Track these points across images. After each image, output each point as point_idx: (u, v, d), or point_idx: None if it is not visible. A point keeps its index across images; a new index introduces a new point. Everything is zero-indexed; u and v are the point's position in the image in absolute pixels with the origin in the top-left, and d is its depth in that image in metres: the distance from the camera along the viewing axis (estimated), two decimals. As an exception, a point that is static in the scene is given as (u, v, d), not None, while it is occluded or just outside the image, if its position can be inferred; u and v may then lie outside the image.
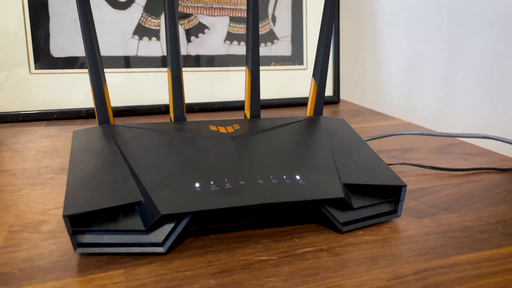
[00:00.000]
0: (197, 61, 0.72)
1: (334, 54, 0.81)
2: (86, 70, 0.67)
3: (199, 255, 0.30)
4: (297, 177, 0.34)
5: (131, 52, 0.69)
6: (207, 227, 0.33)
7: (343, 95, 0.92)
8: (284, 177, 0.33)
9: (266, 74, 0.76)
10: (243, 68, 0.75)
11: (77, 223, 0.29)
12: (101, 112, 0.41)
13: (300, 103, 0.79)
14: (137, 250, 0.30)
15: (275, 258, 0.30)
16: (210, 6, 0.72)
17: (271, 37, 0.76)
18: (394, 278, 0.28)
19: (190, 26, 0.71)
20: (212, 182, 0.32)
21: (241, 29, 0.75)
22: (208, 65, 0.73)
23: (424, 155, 0.53)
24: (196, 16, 0.72)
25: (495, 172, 0.47)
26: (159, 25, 0.70)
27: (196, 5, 0.72)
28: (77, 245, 0.29)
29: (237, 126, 0.42)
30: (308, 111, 0.47)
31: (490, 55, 1.10)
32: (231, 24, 0.74)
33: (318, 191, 0.32)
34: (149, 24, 0.70)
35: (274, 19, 0.77)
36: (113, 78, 0.68)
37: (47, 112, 0.66)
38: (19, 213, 0.36)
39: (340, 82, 0.85)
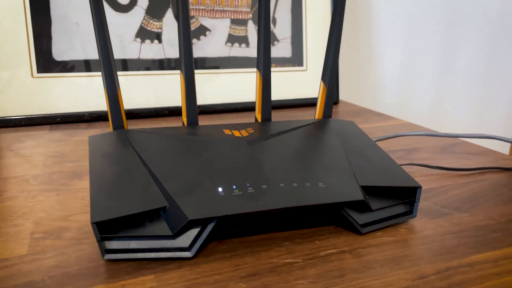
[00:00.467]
0: (198, 63, 0.73)
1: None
2: (88, 74, 0.67)
3: (225, 259, 0.30)
4: (317, 180, 0.34)
5: (133, 55, 0.69)
6: (231, 230, 0.33)
7: (340, 95, 0.93)
8: (304, 180, 0.34)
9: (267, 76, 0.76)
10: (245, 70, 0.76)
11: (105, 229, 0.29)
12: (116, 117, 0.41)
13: (301, 104, 0.80)
14: (164, 255, 0.30)
15: (300, 260, 0.30)
16: (212, 8, 0.73)
17: (271, 38, 0.77)
18: (418, 278, 0.29)
19: (192, 29, 0.71)
20: (234, 187, 0.32)
21: (242, 31, 0.75)
22: (209, 67, 0.74)
23: (429, 155, 0.54)
24: (197, 19, 0.72)
25: (499, 171, 0.49)
26: (161, 28, 0.70)
27: (197, 7, 0.72)
28: (105, 251, 0.29)
29: (250, 130, 0.42)
30: (317, 113, 0.48)
31: (482, 56, 1.12)
32: (232, 27, 0.74)
33: (338, 194, 0.33)
34: (151, 26, 0.70)
35: (274, 21, 0.77)
36: (116, 81, 0.67)
37: (50, 116, 0.65)
38: (39, 220, 0.36)
39: (339, 82, 0.86)
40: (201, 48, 0.73)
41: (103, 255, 0.29)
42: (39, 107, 0.65)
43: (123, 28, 0.68)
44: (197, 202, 0.31)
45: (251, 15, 0.76)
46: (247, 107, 0.76)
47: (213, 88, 0.74)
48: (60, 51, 0.65)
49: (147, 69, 0.70)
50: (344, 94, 0.96)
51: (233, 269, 0.29)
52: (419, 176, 0.47)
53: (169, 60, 0.71)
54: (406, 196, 0.37)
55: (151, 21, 0.69)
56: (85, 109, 0.67)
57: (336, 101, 0.84)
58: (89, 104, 0.67)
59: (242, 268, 0.29)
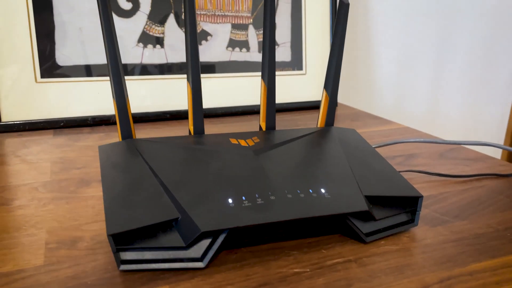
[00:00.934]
0: (200, 67, 0.73)
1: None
2: (91, 78, 0.68)
3: (236, 269, 0.32)
4: (322, 190, 0.35)
5: (135, 60, 0.70)
6: (240, 240, 0.34)
7: (339, 97, 0.94)
8: (310, 191, 0.35)
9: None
10: (245, 74, 0.77)
11: (120, 241, 0.30)
12: (124, 127, 0.41)
13: (300, 107, 0.81)
14: (178, 266, 0.31)
15: (308, 270, 0.32)
16: (213, 13, 0.74)
17: (272, 43, 0.78)
18: (421, 287, 0.30)
19: (194, 34, 0.72)
20: (244, 198, 0.34)
21: (242, 36, 0.76)
22: (210, 72, 0.75)
23: (428, 160, 0.55)
24: (199, 24, 0.73)
25: (496, 178, 0.50)
26: (163, 33, 0.71)
27: (199, 12, 0.73)
28: (120, 262, 0.31)
29: (256, 139, 0.43)
30: (320, 122, 0.49)
31: (476, 59, 1.14)
32: (233, 31, 0.75)
33: (344, 204, 0.34)
34: (154, 32, 0.70)
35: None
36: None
37: (53, 120, 0.66)
38: (51, 229, 0.37)
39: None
40: (202, 53, 0.74)
41: (118, 266, 0.30)
42: (43, 111, 0.66)
43: (125, 33, 0.69)
44: (208, 213, 0.32)
45: (251, 20, 0.76)
46: (247, 111, 0.77)
47: (214, 92, 0.75)
48: (63, 56, 0.66)
49: (149, 73, 0.71)
50: (343, 96, 0.97)
51: (244, 279, 0.30)
52: (419, 183, 0.48)
53: (171, 64, 0.72)
54: (408, 205, 0.38)
55: (153, 26, 0.70)
56: (88, 113, 0.68)
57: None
58: (92, 109, 0.68)
59: (253, 278, 0.30)
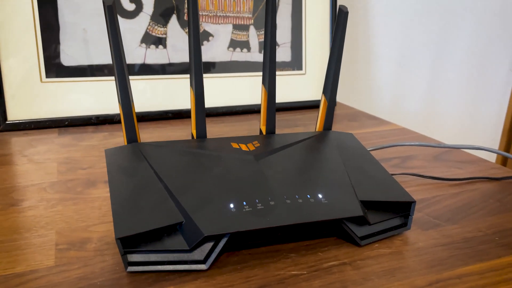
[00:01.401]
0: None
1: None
2: (95, 78, 0.69)
3: (237, 271, 0.33)
4: (320, 196, 0.37)
5: (138, 60, 0.71)
6: (241, 243, 0.36)
7: (338, 96, 0.96)
8: (308, 196, 0.37)
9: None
10: (246, 74, 0.78)
11: (127, 243, 0.32)
12: (130, 131, 0.43)
13: (300, 106, 0.83)
14: (182, 268, 0.33)
15: (305, 272, 0.33)
16: (215, 14, 0.75)
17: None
18: (412, 290, 0.32)
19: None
20: (245, 203, 0.35)
21: (243, 36, 0.77)
22: (212, 72, 0.76)
23: (423, 163, 0.57)
24: (201, 24, 0.74)
25: (488, 181, 0.52)
26: (165, 34, 0.72)
27: (201, 13, 0.74)
28: (128, 264, 0.32)
29: (256, 144, 0.45)
30: (318, 126, 0.51)
31: (474, 59, 1.16)
32: (234, 32, 0.77)
33: (340, 210, 0.36)
34: (156, 32, 0.72)
35: (275, 26, 0.79)
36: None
37: (58, 119, 0.67)
38: (61, 231, 0.38)
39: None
40: (204, 53, 0.75)
41: (126, 268, 0.32)
42: (48, 111, 0.67)
43: (129, 33, 0.70)
44: (211, 218, 0.34)
45: (252, 21, 0.78)
46: (248, 110, 0.79)
47: (216, 91, 0.77)
48: (68, 57, 0.67)
49: (152, 73, 0.72)
50: (342, 95, 0.98)
51: (244, 281, 0.32)
52: (413, 186, 0.50)
53: (173, 64, 0.73)
54: (401, 210, 0.40)
55: (156, 26, 0.71)
56: (92, 112, 0.69)
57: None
58: (96, 108, 0.69)
59: (252, 280, 0.32)
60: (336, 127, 0.73)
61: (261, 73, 0.78)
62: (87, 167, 0.53)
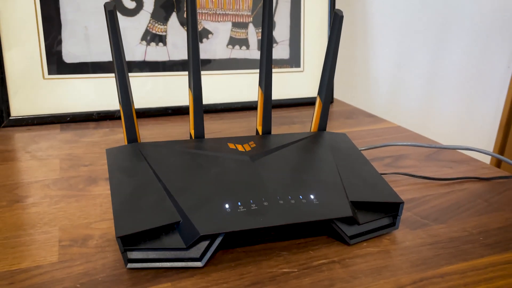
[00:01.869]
0: (201, 65, 0.76)
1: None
2: (96, 75, 0.70)
3: (231, 268, 0.35)
4: (311, 196, 0.39)
5: (139, 57, 0.72)
6: (236, 241, 0.38)
7: (335, 93, 0.97)
8: (300, 197, 0.39)
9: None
10: (245, 71, 0.79)
11: (127, 241, 0.34)
12: (130, 131, 0.45)
13: (297, 103, 0.84)
14: (179, 265, 0.35)
15: (296, 270, 0.35)
16: (214, 12, 0.76)
17: (271, 41, 0.80)
18: (396, 288, 0.33)
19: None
20: (239, 203, 0.37)
21: (242, 34, 0.78)
22: (211, 69, 0.77)
23: (415, 162, 0.59)
24: (200, 22, 0.75)
25: (477, 181, 0.53)
26: (165, 31, 0.73)
27: (200, 11, 0.75)
28: (127, 260, 0.34)
29: (252, 144, 0.46)
30: (313, 126, 0.52)
31: (471, 58, 1.17)
32: (233, 30, 0.78)
33: (330, 210, 0.38)
34: (156, 30, 0.73)
35: (273, 24, 0.80)
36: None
37: (60, 115, 0.69)
38: (64, 227, 0.40)
39: (334, 82, 0.90)
40: (203, 50, 0.76)
41: (126, 264, 0.34)
42: (50, 107, 0.69)
43: (129, 31, 0.71)
44: (207, 218, 0.35)
45: (251, 19, 0.79)
46: (246, 107, 0.80)
47: (215, 88, 0.78)
48: (69, 54, 0.69)
49: (152, 70, 0.74)
50: (340, 92, 1.00)
51: (238, 278, 0.34)
52: (403, 186, 0.51)
53: (173, 62, 0.74)
54: (390, 210, 0.41)
55: (156, 24, 0.73)
56: (93, 108, 0.71)
57: (331, 100, 0.88)
58: (97, 104, 0.71)
59: (246, 277, 0.34)
60: (332, 124, 0.75)
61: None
62: (88, 164, 0.55)
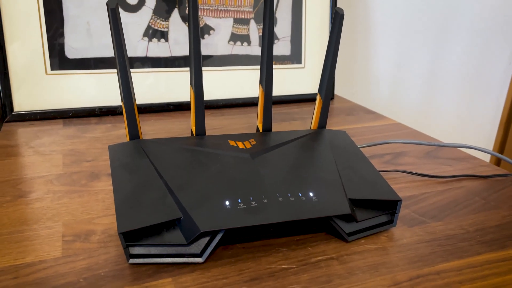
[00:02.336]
0: (203, 61, 0.76)
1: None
2: (98, 71, 0.71)
3: (231, 264, 0.36)
4: (311, 194, 0.39)
5: (141, 53, 0.73)
6: (236, 238, 0.38)
7: (336, 88, 0.97)
8: (300, 194, 0.39)
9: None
10: (246, 67, 0.80)
11: (129, 237, 0.35)
12: (132, 128, 0.45)
13: (298, 99, 0.85)
14: (180, 260, 0.35)
15: (294, 266, 0.36)
16: (216, 8, 0.76)
17: (272, 38, 0.80)
18: (392, 285, 0.34)
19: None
20: (239, 200, 0.37)
21: (244, 30, 0.79)
22: (212, 65, 0.78)
23: (414, 159, 0.59)
24: (202, 18, 0.76)
25: (475, 179, 0.54)
26: (167, 27, 0.74)
27: (202, 7, 0.75)
28: (129, 256, 0.35)
29: (253, 141, 0.47)
30: (313, 124, 0.53)
31: (471, 55, 1.17)
32: (235, 26, 0.78)
33: (329, 208, 0.38)
34: (158, 26, 0.73)
35: (275, 21, 0.81)
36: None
37: (63, 110, 0.70)
38: (67, 223, 0.41)
39: (334, 78, 0.91)
40: (205, 47, 0.76)
41: (128, 260, 0.35)
42: (53, 102, 0.69)
43: (131, 27, 0.72)
44: (207, 214, 0.36)
45: (253, 15, 0.79)
46: (247, 103, 0.81)
47: (216, 84, 0.78)
48: (72, 49, 0.69)
49: (154, 66, 0.74)
50: (340, 88, 1.00)
51: (238, 274, 0.35)
52: (402, 183, 0.52)
53: (174, 58, 0.75)
54: (388, 208, 0.42)
55: (158, 20, 0.73)
56: (96, 104, 0.71)
57: (331, 97, 0.89)
58: (99, 100, 0.71)
59: (245, 273, 0.35)
60: (333, 121, 0.75)
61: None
62: (91, 159, 0.55)
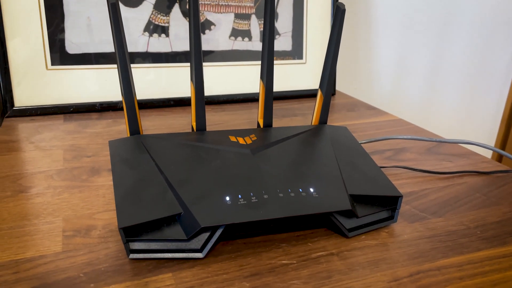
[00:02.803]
0: (203, 56, 0.76)
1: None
2: (99, 66, 0.71)
3: (231, 259, 0.36)
4: (311, 190, 0.39)
5: (141, 48, 0.73)
6: (236, 233, 0.38)
7: (338, 84, 0.97)
8: (300, 190, 0.39)
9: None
10: (247, 63, 0.80)
11: (129, 232, 0.35)
12: (132, 123, 0.45)
13: (299, 95, 0.84)
14: (180, 256, 0.35)
15: (295, 262, 0.36)
16: (217, 3, 0.76)
17: (273, 33, 0.80)
18: (393, 280, 0.34)
19: (198, 23, 0.75)
20: (240, 196, 0.37)
21: (245, 25, 0.78)
22: (213, 60, 0.77)
23: (415, 155, 0.59)
24: (203, 13, 0.75)
25: (477, 175, 0.54)
26: (168, 22, 0.73)
27: (203, 2, 0.75)
28: (130, 251, 0.35)
29: (253, 137, 0.47)
30: (314, 120, 0.52)
31: (473, 51, 1.16)
32: (236, 21, 0.78)
33: (329, 203, 0.38)
34: (159, 21, 0.73)
35: (276, 16, 0.80)
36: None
37: (63, 106, 0.70)
38: (67, 218, 0.41)
39: (336, 74, 0.90)
40: (206, 42, 0.76)
41: (128, 255, 0.35)
42: (53, 97, 0.69)
43: (132, 22, 0.71)
44: (208, 210, 0.36)
45: (254, 10, 0.79)
46: (248, 98, 0.80)
47: (217, 79, 0.78)
48: (72, 45, 0.69)
49: (155, 61, 0.74)
50: (342, 84, 1.00)
51: (238, 269, 0.35)
52: (403, 179, 0.52)
53: (175, 53, 0.75)
54: (388, 203, 0.42)
55: (158, 15, 0.73)
56: (96, 99, 0.71)
57: (333, 93, 0.89)
58: (100, 95, 0.71)
59: (245, 268, 0.35)
60: (334, 116, 0.75)
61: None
62: (91, 154, 0.55)
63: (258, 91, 0.79)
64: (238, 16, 0.78)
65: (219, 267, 0.35)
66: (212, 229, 0.36)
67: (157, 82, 0.75)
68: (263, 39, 0.48)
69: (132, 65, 0.72)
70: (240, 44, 0.79)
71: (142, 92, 0.73)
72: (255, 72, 0.80)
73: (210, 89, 0.78)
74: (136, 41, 0.72)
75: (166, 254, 0.35)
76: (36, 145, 0.57)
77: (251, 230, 0.39)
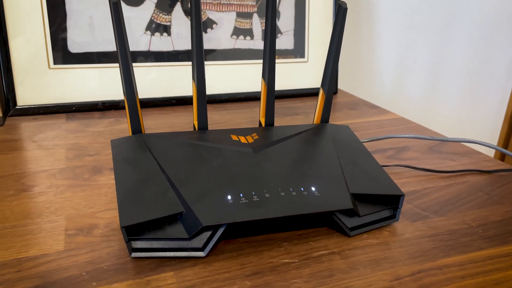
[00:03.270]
0: (205, 55, 0.76)
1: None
2: (101, 65, 0.71)
3: (233, 258, 0.36)
4: (313, 189, 0.39)
5: (143, 47, 0.73)
6: (238, 232, 0.38)
7: (340, 83, 0.97)
8: (302, 189, 0.39)
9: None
10: (249, 61, 0.80)
11: (131, 231, 0.35)
12: (134, 122, 0.45)
13: (301, 94, 0.84)
14: (182, 254, 0.35)
15: (296, 260, 0.36)
16: (218, 2, 0.76)
17: (275, 32, 0.80)
18: (394, 279, 0.34)
19: (199, 22, 0.75)
20: (241, 195, 0.37)
21: (247, 24, 0.78)
22: (215, 59, 0.78)
23: (417, 154, 0.59)
24: (205, 12, 0.75)
25: (479, 174, 0.54)
26: (170, 21, 0.73)
27: (205, 1, 0.75)
28: (132, 250, 0.35)
29: (255, 136, 0.47)
30: (316, 118, 0.52)
31: (474, 50, 1.16)
32: (237, 20, 0.78)
33: (331, 203, 0.38)
34: (161, 20, 0.73)
35: (278, 14, 0.80)
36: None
37: (66, 105, 0.70)
38: (70, 216, 0.41)
39: (338, 72, 0.90)
40: (207, 41, 0.76)
41: (130, 253, 0.35)
42: (56, 96, 0.69)
43: (134, 21, 0.71)
44: (209, 209, 0.36)
45: (256, 8, 0.79)
46: (250, 97, 0.80)
47: (219, 78, 0.78)
48: (75, 44, 0.69)
49: (156, 60, 0.74)
50: (343, 82, 1.00)
51: (239, 268, 0.35)
52: (405, 178, 0.52)
53: (177, 52, 0.75)
54: (390, 202, 0.42)
55: (160, 14, 0.73)
56: (98, 98, 0.71)
57: (335, 91, 0.88)
58: (102, 94, 0.72)
59: (247, 267, 0.35)
60: (336, 115, 0.75)
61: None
62: (93, 153, 0.55)
63: (260, 90, 0.79)
64: (240, 14, 0.78)
65: (220, 266, 0.35)
66: (214, 228, 0.36)
67: (159, 81, 0.75)
68: (265, 38, 0.48)
69: (134, 64, 0.72)
70: (242, 43, 0.79)
71: (144, 91, 0.73)
72: (257, 71, 0.80)
73: (212, 87, 0.78)
74: (138, 40, 0.72)
75: (168, 252, 0.35)
76: (38, 144, 0.58)
77: (252, 229, 0.39)
